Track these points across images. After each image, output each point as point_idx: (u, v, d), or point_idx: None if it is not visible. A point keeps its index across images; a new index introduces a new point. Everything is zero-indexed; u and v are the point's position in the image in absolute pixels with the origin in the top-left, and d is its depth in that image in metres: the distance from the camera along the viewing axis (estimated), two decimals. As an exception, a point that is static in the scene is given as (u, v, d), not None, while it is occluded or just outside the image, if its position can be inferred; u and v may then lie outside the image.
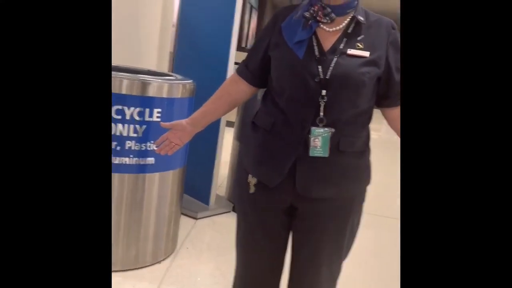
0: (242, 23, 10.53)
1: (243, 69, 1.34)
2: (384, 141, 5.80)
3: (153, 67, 3.08)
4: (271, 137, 1.24)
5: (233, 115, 3.16)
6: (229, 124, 3.29)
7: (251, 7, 11.99)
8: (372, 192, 1.37)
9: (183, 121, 1.38)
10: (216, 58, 2.84)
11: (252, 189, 1.28)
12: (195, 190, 3.04)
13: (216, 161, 2.95)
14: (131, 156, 2.03)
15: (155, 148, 1.41)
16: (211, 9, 2.88)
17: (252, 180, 1.28)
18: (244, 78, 1.34)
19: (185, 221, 2.77)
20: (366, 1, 1.24)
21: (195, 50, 3.02)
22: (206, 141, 2.86)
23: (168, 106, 2.09)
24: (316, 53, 1.17)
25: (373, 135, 1.32)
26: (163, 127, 1.40)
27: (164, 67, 3.60)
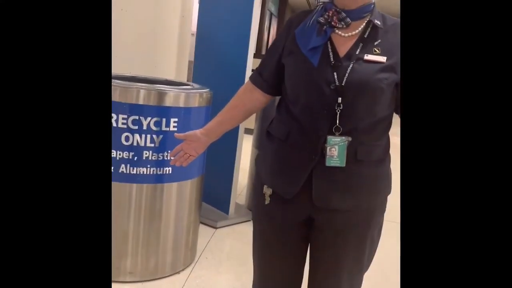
0: (261, 31, 10.56)
1: (256, 77, 1.31)
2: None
3: (172, 77, 3.09)
4: (286, 147, 1.21)
5: (251, 122, 3.13)
6: (248, 131, 3.27)
7: (271, 14, 12.02)
8: (392, 198, 1.31)
9: (197, 132, 1.36)
10: (234, 66, 2.83)
11: (267, 200, 1.25)
12: (214, 198, 3.02)
13: (235, 169, 2.93)
14: (149, 166, 2.02)
15: (172, 158, 1.40)
16: (229, 17, 2.88)
17: (267, 191, 1.25)
18: (258, 86, 1.31)
19: (204, 230, 2.76)
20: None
21: (213, 58, 3.02)
22: (224, 149, 2.85)
23: (185, 115, 2.08)
24: (331, 59, 1.14)
25: (393, 139, 1.26)
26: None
27: (183, 77, 3.61)
